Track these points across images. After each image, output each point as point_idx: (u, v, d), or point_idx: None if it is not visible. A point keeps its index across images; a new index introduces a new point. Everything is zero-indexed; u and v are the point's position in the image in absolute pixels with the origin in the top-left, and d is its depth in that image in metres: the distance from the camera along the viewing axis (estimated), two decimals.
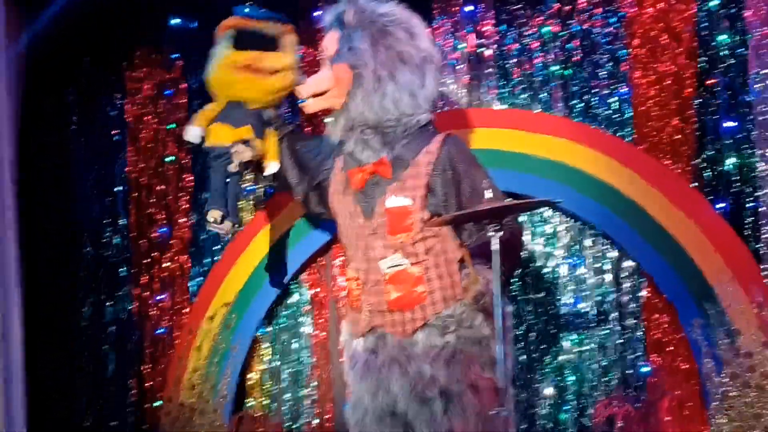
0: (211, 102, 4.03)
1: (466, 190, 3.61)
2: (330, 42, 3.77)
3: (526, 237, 4.40)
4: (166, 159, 4.81)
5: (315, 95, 3.80)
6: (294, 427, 4.59)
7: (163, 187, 4.80)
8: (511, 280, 4.18)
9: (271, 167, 4.00)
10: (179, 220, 4.78)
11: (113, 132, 4.90)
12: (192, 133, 3.98)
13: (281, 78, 3.98)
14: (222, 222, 3.93)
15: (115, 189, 4.88)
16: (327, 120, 3.93)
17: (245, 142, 3.89)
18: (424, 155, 3.65)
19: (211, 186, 3.97)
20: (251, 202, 4.69)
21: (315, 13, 4.60)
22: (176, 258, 4.77)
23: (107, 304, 4.84)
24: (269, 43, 4.00)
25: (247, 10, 4.06)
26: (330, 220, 3.98)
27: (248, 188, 4.65)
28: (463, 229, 3.63)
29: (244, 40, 4.00)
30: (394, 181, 3.65)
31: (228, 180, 3.93)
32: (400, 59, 3.65)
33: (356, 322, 3.71)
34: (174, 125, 4.80)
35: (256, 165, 4.06)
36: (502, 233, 3.22)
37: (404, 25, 3.70)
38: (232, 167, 3.90)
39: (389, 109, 3.65)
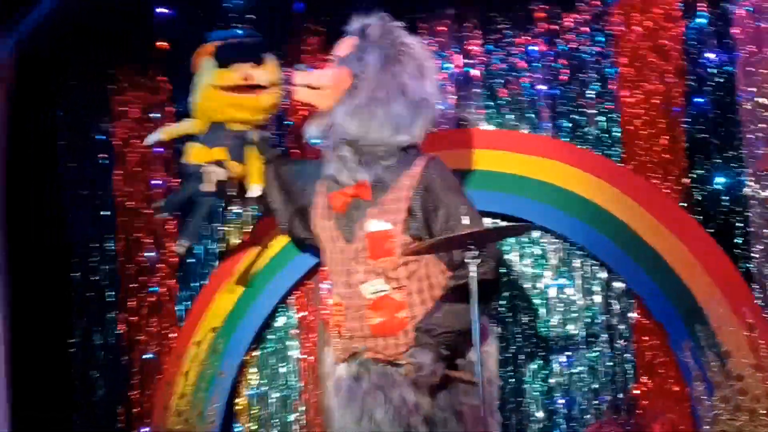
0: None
1: (444, 217, 3.56)
2: (344, 46, 3.73)
3: (515, 258, 4.37)
4: (154, 182, 4.78)
5: (309, 86, 3.74)
6: None
7: (150, 211, 4.77)
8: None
9: (253, 190, 3.98)
10: (167, 245, 4.75)
11: (100, 155, 4.88)
12: (150, 137, 4.04)
13: (271, 94, 3.95)
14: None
15: (103, 213, 4.85)
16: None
17: (219, 163, 3.86)
18: (405, 178, 3.61)
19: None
20: (239, 225, 4.67)
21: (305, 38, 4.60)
22: (164, 282, 4.74)
23: (95, 329, 4.81)
24: (253, 57, 3.96)
25: (221, 33, 4.06)
26: (316, 245, 3.94)
27: (234, 212, 4.63)
28: (444, 255, 3.58)
29: (227, 59, 3.97)
30: (375, 204, 3.61)
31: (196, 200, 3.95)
32: (401, 90, 3.60)
33: (339, 348, 3.68)
34: (161, 149, 4.77)
35: (239, 188, 4.03)
36: (479, 260, 3.18)
37: (418, 61, 3.66)
38: (204, 187, 3.89)
39: (370, 130, 3.60)
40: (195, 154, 3.95)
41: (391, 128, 3.61)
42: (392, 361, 3.56)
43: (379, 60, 3.62)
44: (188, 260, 4.72)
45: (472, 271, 3.17)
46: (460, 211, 3.43)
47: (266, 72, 3.97)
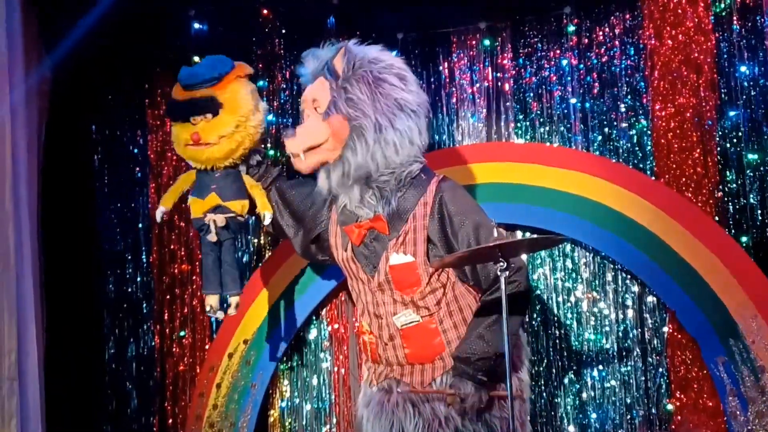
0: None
1: (464, 239, 3.48)
2: (320, 92, 3.55)
3: (547, 272, 4.36)
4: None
5: (306, 149, 3.59)
6: None
7: (184, 224, 4.82)
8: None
9: (266, 218, 3.86)
10: (200, 257, 4.78)
11: (136, 168, 4.94)
12: (157, 212, 3.93)
13: (228, 141, 3.79)
14: (219, 308, 3.88)
15: (138, 225, 4.91)
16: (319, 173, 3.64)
17: (215, 209, 3.81)
18: (420, 207, 3.53)
19: (204, 266, 3.94)
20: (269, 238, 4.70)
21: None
22: (198, 294, 4.77)
23: (130, 340, 4.86)
24: (206, 111, 3.79)
25: (187, 71, 3.89)
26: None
27: None
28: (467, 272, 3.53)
29: (180, 116, 3.86)
30: (393, 237, 3.53)
31: (216, 252, 3.87)
32: (398, 106, 3.51)
33: (374, 372, 3.65)
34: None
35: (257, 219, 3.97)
36: (508, 272, 3.17)
37: (396, 70, 3.55)
38: (210, 237, 3.84)
39: (391, 157, 3.50)
40: (193, 209, 3.88)
41: (407, 144, 3.52)
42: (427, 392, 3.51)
43: (365, 89, 3.48)
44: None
45: (502, 283, 3.16)
46: (481, 233, 3.40)
47: (217, 124, 3.77)
